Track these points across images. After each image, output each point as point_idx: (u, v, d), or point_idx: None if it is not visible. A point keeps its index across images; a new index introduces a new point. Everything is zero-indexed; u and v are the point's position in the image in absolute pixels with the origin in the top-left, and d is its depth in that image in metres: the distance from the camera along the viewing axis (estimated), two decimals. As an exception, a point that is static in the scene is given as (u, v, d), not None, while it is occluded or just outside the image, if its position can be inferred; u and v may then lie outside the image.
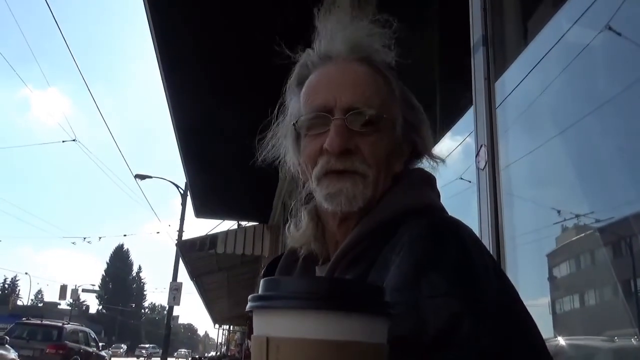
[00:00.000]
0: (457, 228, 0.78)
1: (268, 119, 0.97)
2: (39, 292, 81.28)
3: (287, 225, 0.96)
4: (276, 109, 0.97)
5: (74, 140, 14.87)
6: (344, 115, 0.84)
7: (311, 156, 0.88)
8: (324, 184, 0.86)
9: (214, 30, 4.26)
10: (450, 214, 0.86)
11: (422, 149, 0.94)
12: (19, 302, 55.19)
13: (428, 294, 0.67)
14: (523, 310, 0.75)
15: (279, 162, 0.98)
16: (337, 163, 0.84)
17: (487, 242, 1.78)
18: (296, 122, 0.91)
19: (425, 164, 0.96)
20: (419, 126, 0.93)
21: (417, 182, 0.90)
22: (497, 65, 1.98)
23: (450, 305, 0.66)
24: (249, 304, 0.43)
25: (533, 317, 0.74)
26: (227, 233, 9.84)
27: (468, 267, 0.71)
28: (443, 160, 0.96)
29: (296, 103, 0.93)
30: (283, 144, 0.97)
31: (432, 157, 0.95)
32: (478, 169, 1.89)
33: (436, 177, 0.93)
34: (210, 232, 10.12)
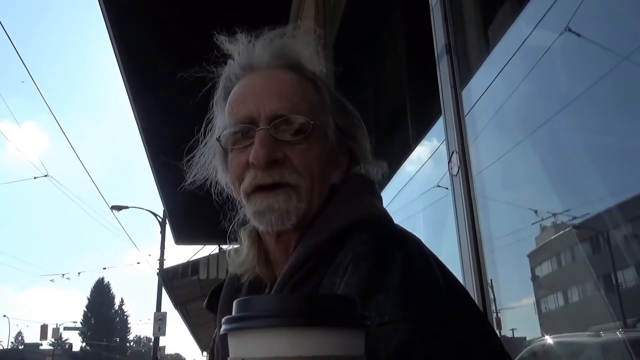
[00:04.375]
0: (402, 241, 0.75)
1: (195, 138, 0.92)
2: (19, 334, 78.99)
3: (228, 251, 0.90)
4: (203, 126, 0.92)
5: (45, 175, 14.65)
6: (269, 124, 0.80)
7: (237, 172, 0.83)
8: (253, 201, 0.81)
9: (182, 46, 4.25)
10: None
11: (360, 156, 0.89)
12: (-1, 346, 53.56)
13: (376, 321, 0.64)
14: (478, 319, 0.74)
15: (210, 183, 0.93)
16: (265, 176, 0.79)
17: (466, 246, 1.79)
18: (219, 137, 0.86)
19: (364, 171, 0.91)
20: (355, 133, 0.89)
21: (357, 191, 0.84)
22: (463, 72, 2.02)
23: (399, 331, 0.63)
24: (222, 327, 0.42)
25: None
26: (208, 258, 9.73)
27: (415, 285, 0.69)
28: (383, 166, 0.92)
29: (222, 118, 0.88)
30: (212, 164, 0.92)
31: (371, 163, 0.91)
32: (451, 175, 1.91)
33: (385, 182, 0.89)
34: (192, 259, 10.00)
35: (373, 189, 0.89)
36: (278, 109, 0.80)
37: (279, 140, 0.80)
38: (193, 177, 0.93)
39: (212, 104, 0.93)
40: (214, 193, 0.94)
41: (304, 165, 0.80)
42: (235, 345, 0.42)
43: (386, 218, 0.84)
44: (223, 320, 0.43)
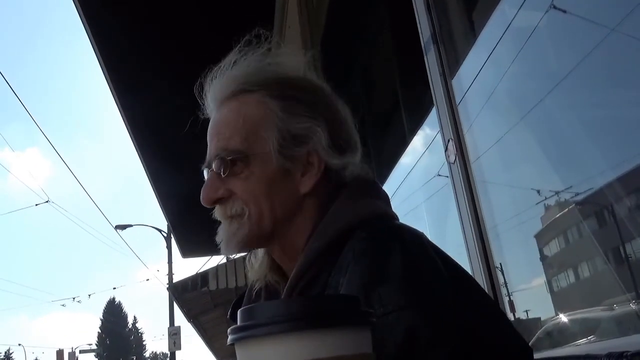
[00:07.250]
0: (400, 234, 0.77)
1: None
2: (36, 361, 79.08)
3: (247, 257, 0.96)
4: None
5: (47, 201, 14.69)
6: (212, 166, 0.88)
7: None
8: None
9: (172, 60, 4.27)
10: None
11: (325, 157, 0.88)
12: (17, 375, 53.58)
13: (380, 311, 0.66)
14: (485, 303, 0.75)
15: None
16: (217, 213, 0.89)
17: (470, 233, 1.79)
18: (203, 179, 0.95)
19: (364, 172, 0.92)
20: (313, 135, 0.87)
21: (355, 194, 0.86)
22: (451, 60, 2.01)
23: (404, 319, 0.65)
24: (229, 338, 0.42)
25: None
26: (217, 268, 9.72)
27: (416, 274, 0.70)
28: (357, 154, 0.92)
29: None
30: None
31: (335, 163, 0.89)
32: (449, 163, 1.91)
33: (385, 176, 0.90)
34: (201, 270, 9.99)
35: (373, 189, 0.91)
36: (215, 150, 0.88)
37: (226, 176, 0.86)
38: None
39: None
40: None
41: (246, 192, 0.86)
42: (242, 354, 0.42)
43: (386, 216, 0.86)
44: (228, 331, 0.43)
